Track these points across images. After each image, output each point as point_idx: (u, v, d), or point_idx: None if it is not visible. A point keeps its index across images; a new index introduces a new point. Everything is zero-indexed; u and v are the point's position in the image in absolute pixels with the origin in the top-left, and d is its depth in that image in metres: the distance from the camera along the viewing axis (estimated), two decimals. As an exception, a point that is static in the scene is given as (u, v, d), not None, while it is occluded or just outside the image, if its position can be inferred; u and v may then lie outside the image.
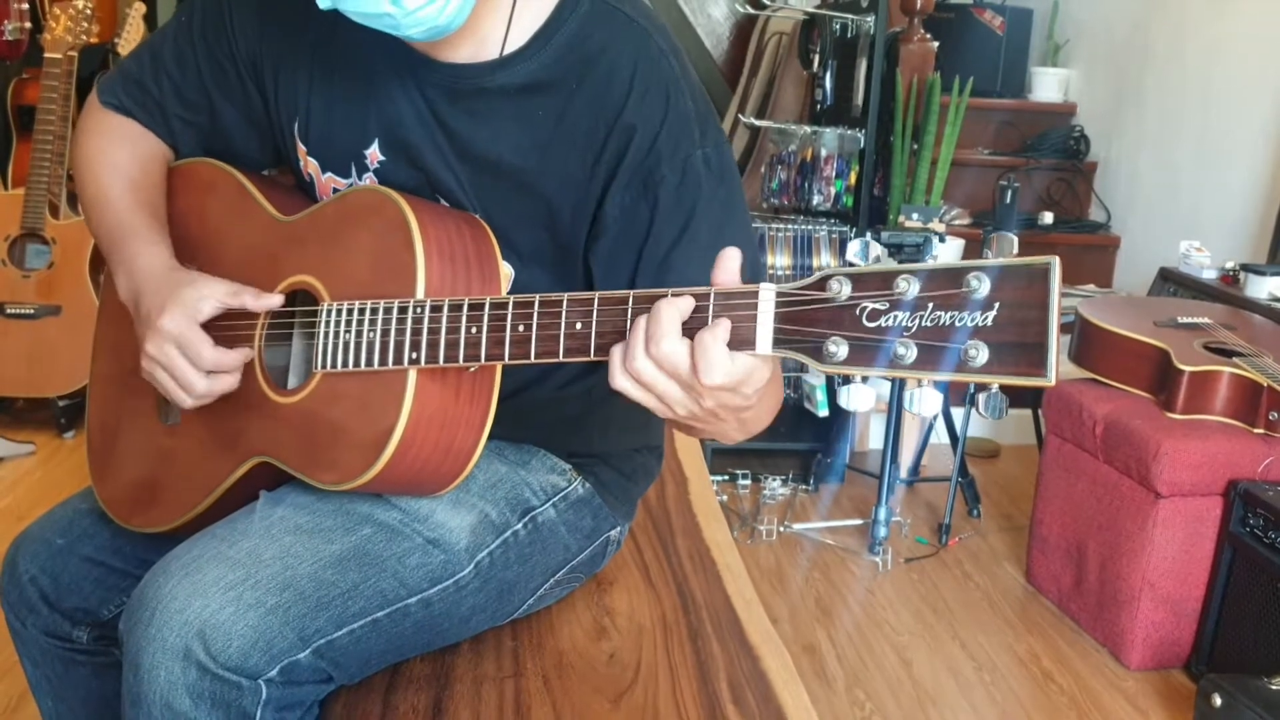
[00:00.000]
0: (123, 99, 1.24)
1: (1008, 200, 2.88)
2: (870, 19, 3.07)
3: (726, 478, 3.20)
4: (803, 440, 3.32)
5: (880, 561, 2.79)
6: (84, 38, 3.25)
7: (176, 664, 0.96)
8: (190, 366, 1.07)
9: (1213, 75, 3.29)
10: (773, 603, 2.56)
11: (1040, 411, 3.16)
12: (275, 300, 1.09)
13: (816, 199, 3.25)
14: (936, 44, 3.29)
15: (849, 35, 3.22)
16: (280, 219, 1.14)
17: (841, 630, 2.47)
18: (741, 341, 0.81)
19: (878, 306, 0.76)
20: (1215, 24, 3.29)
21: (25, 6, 3.58)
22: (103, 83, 1.27)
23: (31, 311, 3.17)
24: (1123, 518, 2.31)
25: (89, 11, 3.28)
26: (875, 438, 3.49)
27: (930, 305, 0.75)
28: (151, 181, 1.22)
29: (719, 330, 0.81)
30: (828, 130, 3.27)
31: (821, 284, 0.78)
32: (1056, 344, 0.72)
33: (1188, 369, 2.23)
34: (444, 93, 1.08)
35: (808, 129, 3.35)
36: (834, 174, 3.21)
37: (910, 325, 0.75)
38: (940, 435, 3.25)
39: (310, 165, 1.18)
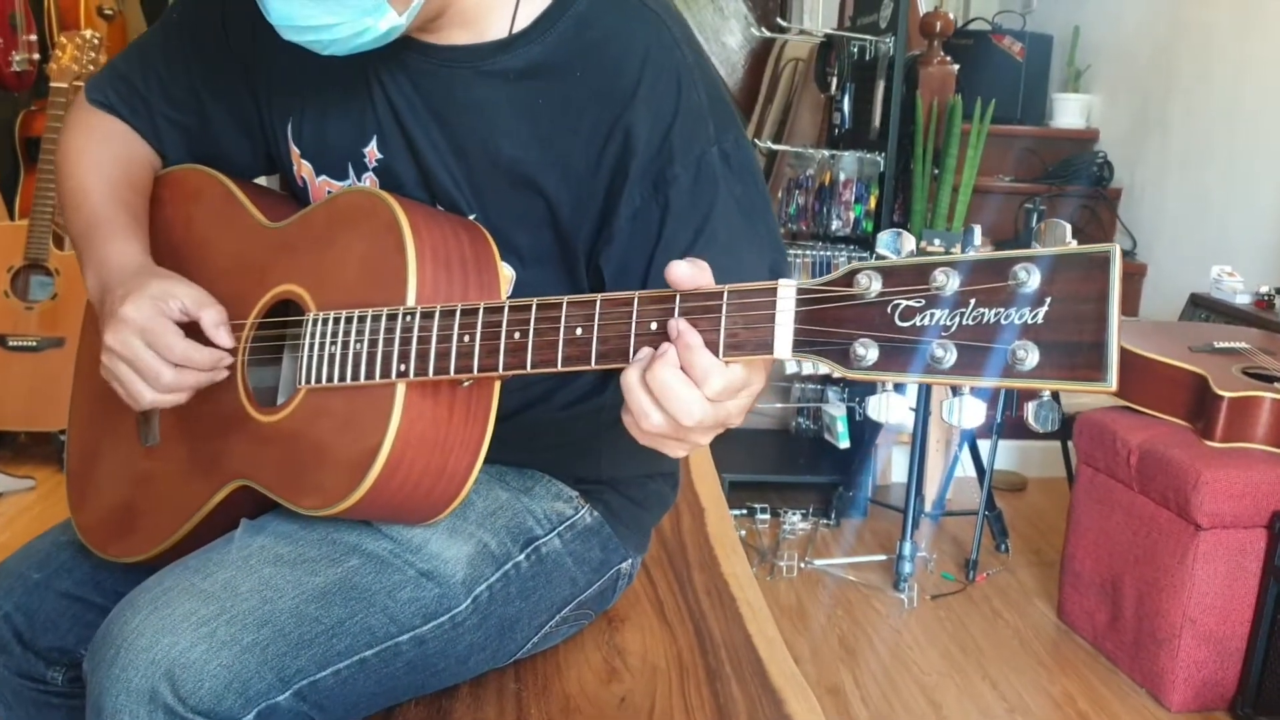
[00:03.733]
0: (109, 96, 1.20)
1: (1033, 224, 2.81)
2: (890, 40, 3.02)
3: (744, 512, 3.11)
4: (823, 473, 3.25)
5: (906, 599, 2.70)
6: (91, 67, 3.21)
7: (142, 708, 0.88)
8: (155, 357, 1.00)
9: (1239, 98, 3.22)
10: (794, 642, 2.46)
11: (1069, 442, 3.07)
12: (224, 340, 1.02)
13: (835, 224, 3.19)
14: (957, 66, 3.24)
15: (867, 58, 3.17)
16: (268, 225, 1.08)
17: (867, 670, 2.37)
18: (759, 344, 0.73)
19: (912, 304, 0.68)
20: (1241, 46, 3.23)
21: (33, 38, 3.56)
22: (91, 80, 1.22)
23: (34, 344, 3.12)
24: (1160, 551, 2.21)
25: (96, 41, 3.25)
26: (898, 470, 3.40)
27: (972, 301, 0.66)
28: (133, 183, 1.17)
29: (690, 341, 0.74)
30: (846, 154, 3.22)
31: (848, 279, 0.70)
32: (1117, 343, 0.64)
33: (1227, 395, 2.15)
34: (439, 82, 1.02)
35: (825, 153, 3.29)
36: (853, 198, 3.15)
37: (949, 324, 0.66)
38: (965, 468, 3.15)
39: (304, 169, 1.12)
